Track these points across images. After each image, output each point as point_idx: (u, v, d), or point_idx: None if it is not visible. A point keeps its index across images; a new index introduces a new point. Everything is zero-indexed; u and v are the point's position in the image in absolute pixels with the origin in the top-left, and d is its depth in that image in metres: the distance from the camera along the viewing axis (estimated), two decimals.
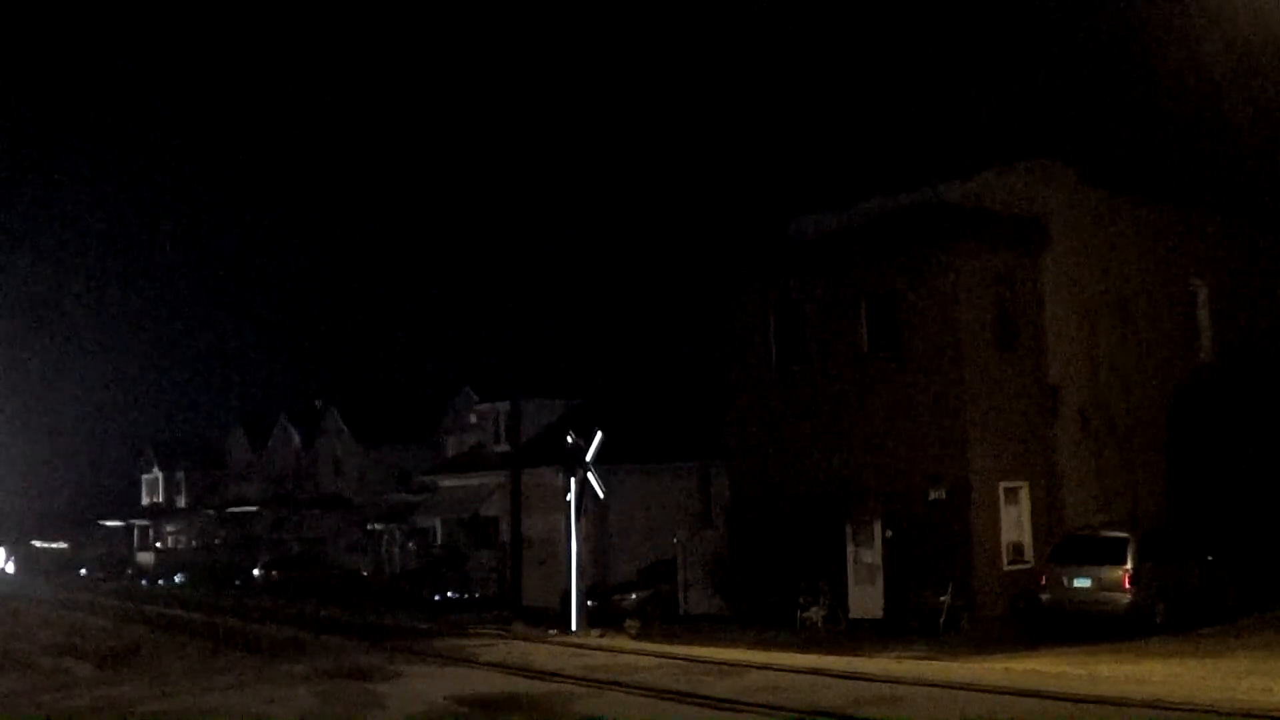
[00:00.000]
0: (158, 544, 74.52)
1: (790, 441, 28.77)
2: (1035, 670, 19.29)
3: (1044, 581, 24.03)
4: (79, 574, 75.65)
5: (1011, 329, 26.77)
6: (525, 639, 28.02)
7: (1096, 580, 23.26)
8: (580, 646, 26.11)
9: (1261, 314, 31.08)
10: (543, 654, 24.84)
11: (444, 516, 44.77)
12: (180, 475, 74.99)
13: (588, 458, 29.71)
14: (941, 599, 24.71)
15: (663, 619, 30.18)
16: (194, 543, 68.52)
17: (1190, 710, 14.89)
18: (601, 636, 27.88)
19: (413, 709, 17.87)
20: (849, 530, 27.56)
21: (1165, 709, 15.08)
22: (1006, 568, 25.73)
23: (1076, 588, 23.45)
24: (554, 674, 21.05)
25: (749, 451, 30.11)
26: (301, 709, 18.25)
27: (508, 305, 38.64)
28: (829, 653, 22.82)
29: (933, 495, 25.84)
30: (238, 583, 54.28)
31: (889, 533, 26.70)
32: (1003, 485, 26.07)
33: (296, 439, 62.77)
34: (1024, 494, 26.41)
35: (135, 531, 78.31)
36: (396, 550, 49.18)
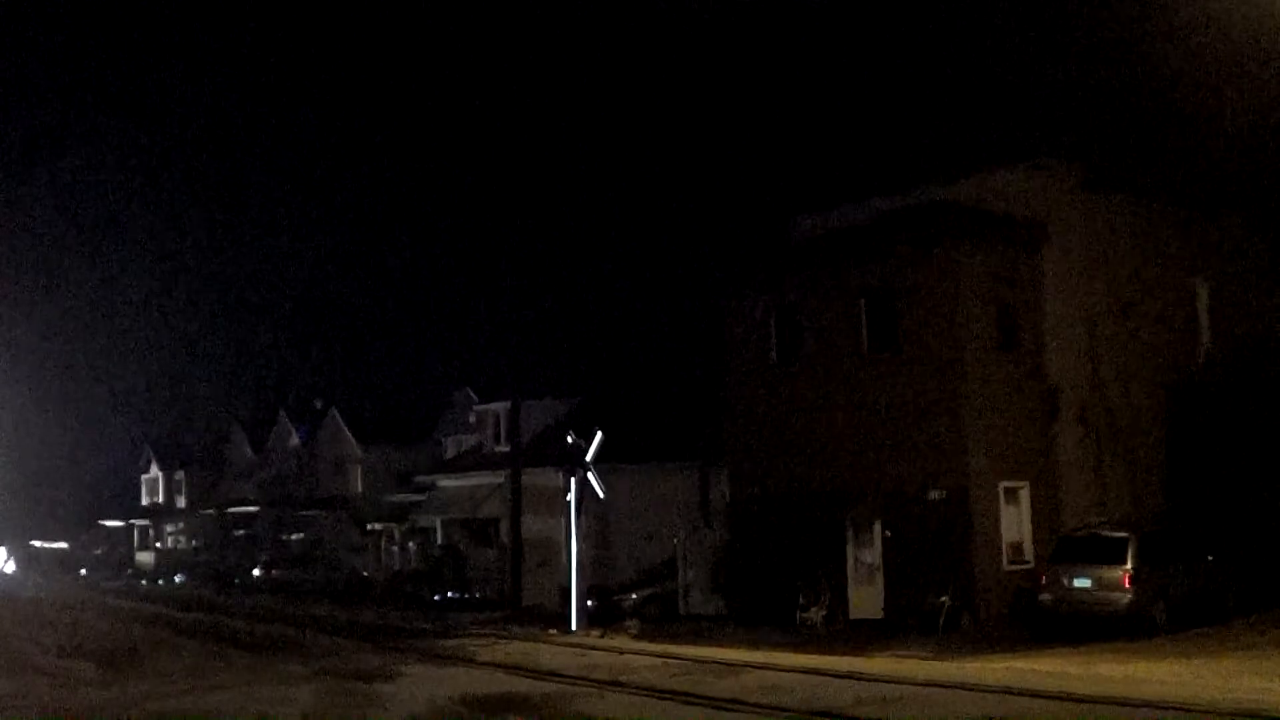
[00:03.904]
0: (158, 544, 74.53)
1: (790, 441, 28.76)
2: (1035, 670, 19.30)
3: (1044, 581, 24.04)
4: (79, 574, 75.67)
5: (1011, 329, 26.76)
6: (525, 639, 28.04)
7: (1096, 580, 23.26)
8: (580, 646, 26.13)
9: (1261, 314, 31.05)
10: (543, 654, 24.86)
11: (444, 516, 44.77)
12: (180, 475, 74.96)
13: (588, 458, 29.73)
14: (941, 599, 24.71)
15: (663, 619, 30.21)
16: (194, 543, 68.49)
17: (1190, 710, 14.88)
18: (602, 636, 27.91)
19: (413, 709, 17.88)
20: (849, 530, 27.56)
21: (1165, 709, 15.08)
22: (1006, 568, 25.73)
23: (1076, 588, 23.45)
24: (554, 674, 21.06)
25: (749, 451, 30.11)
26: (302, 709, 18.25)
27: (508, 305, 38.66)
28: (829, 653, 22.84)
29: (933, 495, 25.83)
30: (238, 583, 54.28)
31: (889, 533, 26.70)
32: (1003, 485, 26.07)
33: (296, 439, 62.72)
34: (1024, 494, 26.40)
35: (135, 531, 78.33)
36: (396, 550, 49.17)
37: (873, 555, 27.17)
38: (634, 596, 32.10)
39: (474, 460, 44.51)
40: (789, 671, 20.32)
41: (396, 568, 46.47)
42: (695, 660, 22.38)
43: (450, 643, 27.84)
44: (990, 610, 25.09)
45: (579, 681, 20.05)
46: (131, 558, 75.53)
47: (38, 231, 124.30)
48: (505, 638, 28.61)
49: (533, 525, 36.89)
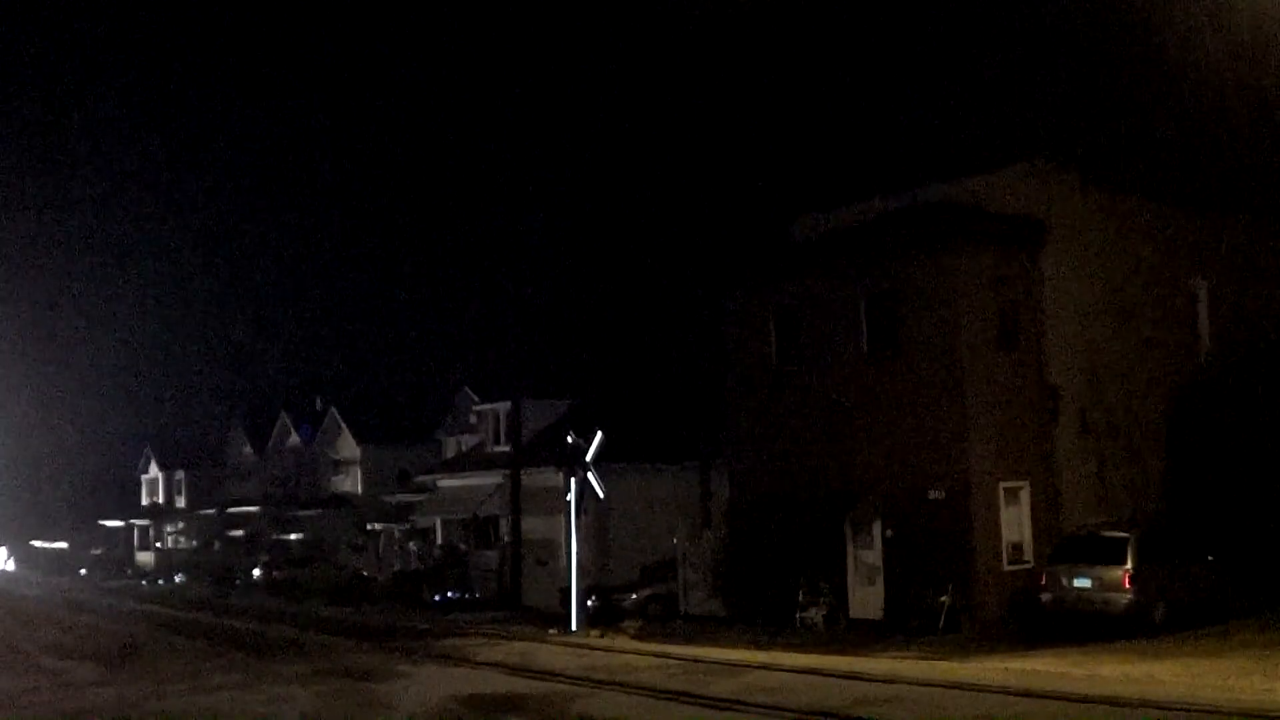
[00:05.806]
0: (158, 544, 74.51)
1: (790, 442, 28.76)
2: (1035, 670, 19.31)
3: (1044, 581, 24.03)
4: (79, 574, 75.68)
5: (1011, 329, 26.75)
6: (525, 639, 28.05)
7: (1096, 580, 23.26)
8: (580, 646, 26.14)
9: (1261, 314, 31.05)
10: (543, 654, 24.87)
11: (444, 516, 44.77)
12: (180, 475, 74.96)
13: (588, 458, 29.73)
14: (941, 599, 24.71)
15: (663, 619, 30.23)
16: (194, 543, 68.50)
17: (1190, 710, 14.90)
18: (601, 636, 27.92)
19: (414, 709, 17.89)
20: (849, 530, 27.56)
21: (1165, 709, 15.10)
22: (1006, 568, 25.71)
23: (1076, 588, 23.45)
24: (554, 674, 21.07)
25: (749, 451, 30.10)
26: (302, 709, 18.27)
27: (507, 305, 38.68)
28: (829, 653, 22.85)
29: (933, 495, 25.83)
30: (238, 583, 54.31)
31: (889, 533, 26.70)
32: (1003, 485, 26.06)
33: (296, 438, 62.75)
34: (1024, 494, 26.40)
35: (135, 531, 78.32)
36: (397, 550, 49.19)
37: (873, 555, 27.16)
38: (634, 596, 32.11)
39: (474, 460, 44.52)
40: (789, 671, 20.32)
41: (396, 568, 46.47)
42: (695, 660, 22.39)
43: (450, 643, 27.84)
44: (990, 610, 25.09)
45: (579, 681, 20.06)
46: (131, 558, 75.55)
47: (38, 231, 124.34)
48: (505, 638, 28.61)
49: (533, 525, 36.92)
